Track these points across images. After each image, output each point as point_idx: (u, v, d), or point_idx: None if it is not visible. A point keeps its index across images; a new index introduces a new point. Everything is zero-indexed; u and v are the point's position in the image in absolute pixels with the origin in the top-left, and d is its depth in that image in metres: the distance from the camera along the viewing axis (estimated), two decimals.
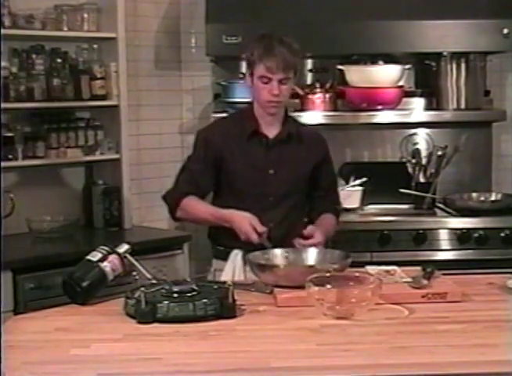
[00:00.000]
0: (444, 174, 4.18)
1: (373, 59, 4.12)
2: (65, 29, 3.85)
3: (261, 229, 2.72)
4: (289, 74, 2.82)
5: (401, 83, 4.17)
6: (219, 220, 2.84)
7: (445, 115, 4.23)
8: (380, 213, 4.06)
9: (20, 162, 3.73)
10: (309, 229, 2.83)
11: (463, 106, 4.22)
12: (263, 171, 2.91)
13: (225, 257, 2.90)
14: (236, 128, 2.94)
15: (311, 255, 2.73)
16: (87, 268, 2.51)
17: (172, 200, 2.93)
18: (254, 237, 2.70)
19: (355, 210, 4.09)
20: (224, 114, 3.74)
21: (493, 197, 4.20)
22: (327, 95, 4.17)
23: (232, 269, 2.86)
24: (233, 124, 2.98)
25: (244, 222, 2.73)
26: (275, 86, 2.81)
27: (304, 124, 3.12)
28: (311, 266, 2.65)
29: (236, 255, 2.87)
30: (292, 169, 2.94)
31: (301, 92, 4.17)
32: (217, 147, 2.91)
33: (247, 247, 2.76)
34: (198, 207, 2.90)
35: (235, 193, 2.92)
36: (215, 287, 2.45)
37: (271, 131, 2.93)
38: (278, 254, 2.71)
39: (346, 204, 4.08)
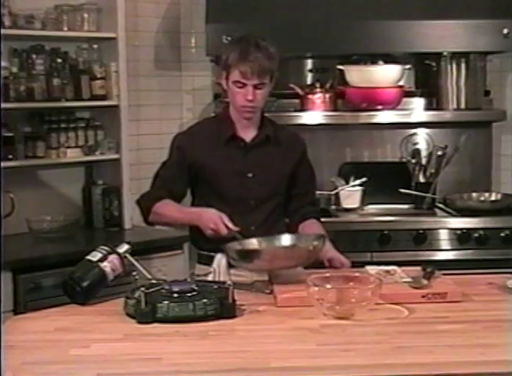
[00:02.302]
0: (444, 174, 4.18)
1: (373, 59, 4.12)
2: (65, 29, 3.85)
3: (233, 227, 2.66)
4: (264, 80, 2.78)
5: (401, 83, 4.17)
6: (189, 218, 2.80)
7: (445, 115, 4.23)
8: (380, 213, 4.06)
9: (20, 162, 3.73)
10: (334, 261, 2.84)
11: (463, 106, 4.22)
12: (242, 174, 2.87)
13: (208, 262, 2.84)
14: (213, 133, 2.91)
15: (286, 239, 2.73)
16: (87, 268, 2.51)
17: (145, 204, 2.90)
18: (223, 230, 2.64)
19: (355, 210, 4.09)
20: None
21: (493, 197, 4.20)
22: (327, 95, 4.17)
23: (217, 273, 2.81)
24: (210, 129, 2.95)
25: (214, 217, 2.68)
26: (250, 91, 2.77)
27: (281, 125, 3.05)
28: (293, 246, 2.67)
29: (220, 260, 2.80)
30: (271, 172, 2.91)
31: (300, 92, 4.18)
32: (192, 154, 2.88)
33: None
34: (169, 207, 2.85)
35: (215, 197, 2.88)
36: (215, 287, 2.45)
37: (248, 134, 2.90)
38: (253, 242, 2.69)
39: (346, 204, 4.10)
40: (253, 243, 2.69)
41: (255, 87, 2.77)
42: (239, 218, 2.77)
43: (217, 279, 2.72)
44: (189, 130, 3.06)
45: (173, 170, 2.92)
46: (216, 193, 2.88)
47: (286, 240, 2.73)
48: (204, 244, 2.87)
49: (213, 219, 2.67)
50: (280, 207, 2.97)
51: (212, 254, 2.81)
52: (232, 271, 2.76)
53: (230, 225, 2.66)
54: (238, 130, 2.89)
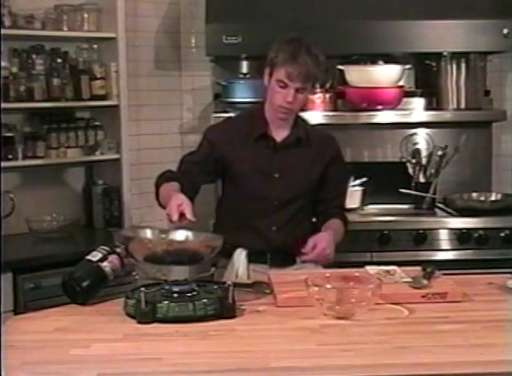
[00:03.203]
0: (444, 174, 4.18)
1: (373, 59, 4.12)
2: (65, 29, 3.86)
3: (191, 217, 2.52)
4: (307, 85, 2.79)
5: (401, 83, 4.17)
6: (169, 199, 2.65)
7: (445, 115, 4.22)
8: (380, 213, 4.06)
9: (20, 162, 3.73)
10: (309, 241, 2.76)
11: (463, 106, 4.21)
12: (268, 174, 2.88)
13: (228, 255, 2.87)
14: (244, 129, 2.90)
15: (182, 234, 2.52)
16: (87, 268, 2.51)
17: (156, 185, 2.85)
18: (175, 218, 2.52)
19: (355, 210, 4.08)
20: (231, 114, 3.75)
21: (493, 197, 4.20)
22: (327, 95, 4.18)
23: (236, 267, 2.84)
24: (241, 125, 2.94)
25: (172, 203, 2.54)
26: (291, 94, 2.77)
27: (314, 127, 3.06)
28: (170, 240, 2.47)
29: (240, 254, 2.85)
30: (298, 173, 2.90)
31: None
32: (222, 149, 2.88)
33: (252, 245, 2.77)
34: (167, 189, 2.75)
35: (239, 194, 2.91)
36: (215, 287, 2.45)
37: (279, 134, 2.90)
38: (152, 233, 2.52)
39: (346, 204, 4.09)
40: (146, 232, 2.50)
41: (297, 90, 2.77)
42: (262, 217, 2.79)
43: (234, 273, 2.76)
44: (222, 124, 3.09)
45: (199, 159, 2.91)
46: (241, 190, 2.89)
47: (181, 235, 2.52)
48: (226, 238, 2.84)
49: (170, 204, 2.56)
50: (306, 209, 2.96)
51: (232, 248, 2.82)
52: (252, 266, 2.78)
53: (189, 215, 2.51)
54: (270, 129, 2.89)
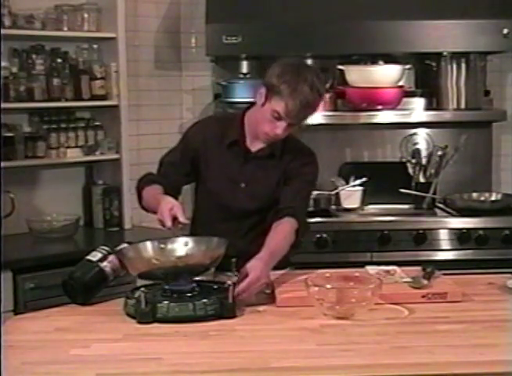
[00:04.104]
0: (444, 174, 4.18)
1: (373, 59, 4.12)
2: (65, 29, 3.85)
3: (183, 220, 2.48)
4: (303, 122, 2.69)
5: (401, 83, 4.17)
6: (155, 205, 2.61)
7: (445, 115, 4.22)
8: (380, 213, 4.06)
9: (20, 162, 3.73)
10: (241, 270, 2.48)
11: (463, 106, 4.21)
12: (234, 183, 2.78)
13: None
14: (221, 133, 2.81)
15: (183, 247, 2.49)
16: (87, 268, 2.51)
17: (137, 189, 2.82)
18: (168, 224, 2.47)
19: (355, 210, 4.08)
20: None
21: (493, 197, 4.20)
22: (327, 95, 4.17)
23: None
24: (219, 127, 2.84)
25: (163, 207, 2.50)
26: (283, 127, 2.64)
27: (294, 139, 2.84)
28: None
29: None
30: (265, 186, 2.79)
31: None
32: (195, 148, 2.80)
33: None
34: (151, 192, 2.71)
35: (206, 197, 2.84)
36: (215, 287, 2.45)
37: (254, 144, 2.78)
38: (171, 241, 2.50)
39: (346, 204, 4.10)
40: (148, 249, 2.46)
41: (289, 125, 2.65)
42: (224, 222, 2.75)
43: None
44: (201, 122, 3.00)
45: (175, 160, 2.85)
46: (206, 194, 2.83)
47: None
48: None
49: (161, 209, 2.51)
50: (268, 218, 2.79)
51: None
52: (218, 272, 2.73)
53: (181, 218, 2.47)
54: (246, 139, 2.79)
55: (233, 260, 2.63)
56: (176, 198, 2.71)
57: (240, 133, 2.79)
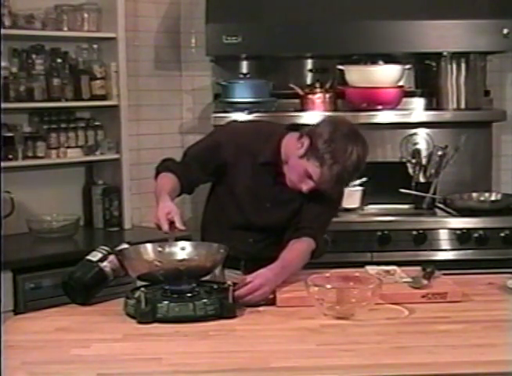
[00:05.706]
0: (444, 174, 4.19)
1: (373, 59, 4.12)
2: (65, 29, 3.85)
3: (180, 226, 2.44)
4: (329, 192, 2.64)
5: (401, 83, 4.17)
6: (157, 198, 2.58)
7: (445, 115, 4.23)
8: (380, 213, 4.06)
9: (20, 162, 3.73)
10: (248, 277, 2.47)
11: (463, 106, 4.22)
12: (260, 201, 2.76)
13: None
14: (255, 149, 2.71)
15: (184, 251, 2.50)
16: (87, 268, 2.50)
17: (157, 169, 2.76)
18: (165, 228, 2.43)
19: (355, 210, 4.08)
20: (231, 114, 3.78)
21: (493, 197, 4.20)
22: (327, 95, 4.17)
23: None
24: (255, 142, 2.74)
25: (160, 211, 2.47)
26: (309, 187, 2.59)
27: None
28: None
29: None
30: (288, 209, 2.75)
31: (300, 92, 4.18)
32: (226, 157, 2.73)
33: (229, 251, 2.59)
34: (162, 182, 2.67)
35: (225, 204, 2.80)
36: (215, 287, 2.45)
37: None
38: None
39: (346, 204, 4.08)
40: (145, 247, 2.49)
41: (316, 187, 2.60)
42: (240, 230, 2.74)
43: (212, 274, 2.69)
44: (236, 129, 2.87)
45: (202, 156, 2.77)
46: (228, 202, 2.79)
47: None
48: (209, 238, 2.80)
49: (158, 213, 2.47)
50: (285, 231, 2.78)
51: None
52: (226, 271, 2.74)
53: (178, 224, 2.43)
54: (279, 162, 2.71)
55: (243, 262, 2.64)
56: (189, 193, 2.77)
57: (276, 157, 2.71)
